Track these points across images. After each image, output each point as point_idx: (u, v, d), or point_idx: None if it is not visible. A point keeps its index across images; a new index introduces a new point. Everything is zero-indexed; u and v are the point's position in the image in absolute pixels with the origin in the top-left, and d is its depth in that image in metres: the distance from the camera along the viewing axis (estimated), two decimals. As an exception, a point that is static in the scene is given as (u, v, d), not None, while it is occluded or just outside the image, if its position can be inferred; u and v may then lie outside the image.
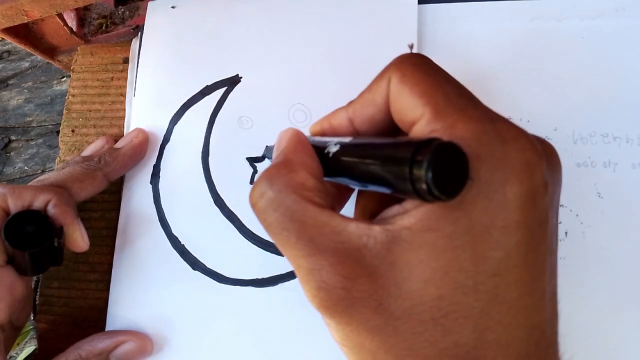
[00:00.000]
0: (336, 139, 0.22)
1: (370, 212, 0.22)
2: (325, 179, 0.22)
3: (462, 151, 0.16)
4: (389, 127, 0.22)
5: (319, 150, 0.22)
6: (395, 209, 0.19)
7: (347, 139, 0.21)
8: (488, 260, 0.17)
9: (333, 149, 0.21)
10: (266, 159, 0.36)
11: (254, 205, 0.21)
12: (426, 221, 0.17)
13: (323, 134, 0.24)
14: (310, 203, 0.20)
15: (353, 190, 0.26)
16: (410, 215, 0.18)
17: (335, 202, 0.26)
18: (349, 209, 0.25)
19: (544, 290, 0.19)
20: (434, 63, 0.20)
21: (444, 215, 0.17)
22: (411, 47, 0.34)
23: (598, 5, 0.34)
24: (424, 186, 0.15)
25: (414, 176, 0.16)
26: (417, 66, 0.20)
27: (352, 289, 0.18)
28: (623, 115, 0.33)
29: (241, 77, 0.37)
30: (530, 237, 0.18)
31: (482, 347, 0.18)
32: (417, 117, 0.19)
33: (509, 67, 0.35)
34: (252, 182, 0.36)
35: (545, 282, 0.19)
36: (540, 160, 0.18)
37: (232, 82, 0.37)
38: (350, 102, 0.23)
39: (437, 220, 0.17)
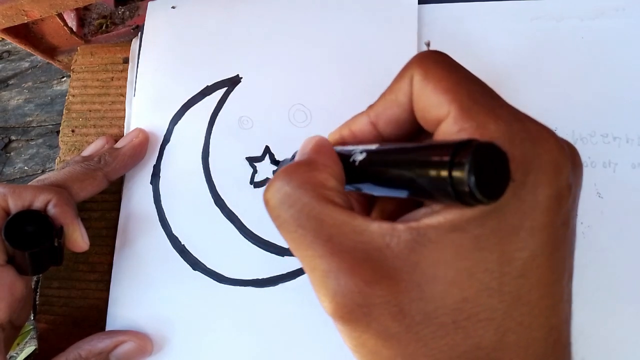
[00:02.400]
0: (361, 147, 0.21)
1: (389, 214, 0.22)
2: (347, 187, 0.21)
3: (501, 152, 0.15)
4: (414, 128, 0.21)
5: (343, 158, 0.21)
6: (422, 211, 0.18)
7: (372, 146, 0.20)
8: (514, 261, 0.17)
9: (359, 157, 0.20)
10: (267, 159, 0.36)
11: (267, 202, 0.20)
12: (455, 221, 0.17)
13: (343, 142, 0.23)
14: (329, 202, 0.19)
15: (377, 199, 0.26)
16: (439, 215, 0.17)
17: (363, 210, 0.25)
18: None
19: (562, 291, 0.19)
20: (454, 60, 0.20)
21: (475, 216, 0.17)
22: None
23: (598, 5, 0.34)
24: (466, 189, 0.15)
25: (454, 179, 0.15)
26: (439, 63, 0.19)
27: (372, 294, 0.17)
28: (623, 115, 0.33)
29: (241, 78, 0.37)
30: (555, 238, 0.18)
31: (502, 349, 0.17)
32: (443, 115, 0.18)
33: (508, 67, 0.35)
34: (252, 182, 0.36)
35: (564, 283, 0.19)
36: (567, 162, 0.18)
37: (232, 83, 0.37)
38: (371, 106, 0.22)
39: (468, 221, 0.17)
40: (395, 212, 0.21)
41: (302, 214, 0.19)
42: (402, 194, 0.18)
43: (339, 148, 0.23)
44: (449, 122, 0.18)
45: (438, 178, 0.16)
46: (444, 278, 0.17)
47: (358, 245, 0.18)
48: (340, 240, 0.18)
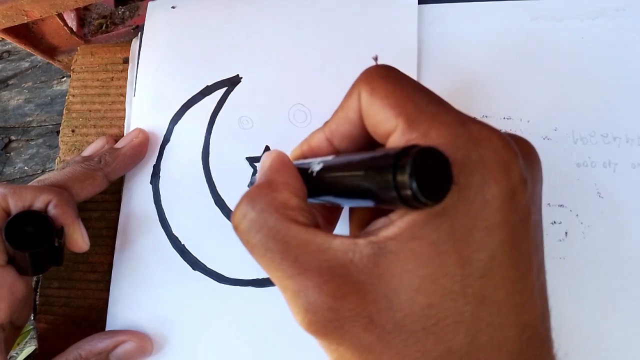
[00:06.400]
0: (319, 159, 0.22)
1: (366, 223, 0.22)
2: (311, 200, 0.22)
3: (443, 155, 0.16)
4: (367, 142, 0.22)
5: (303, 171, 0.22)
6: (380, 222, 0.19)
7: (329, 158, 0.21)
8: (473, 262, 0.17)
9: (316, 167, 0.21)
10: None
11: (236, 228, 0.21)
12: (410, 230, 0.17)
13: (304, 157, 0.24)
14: (293, 222, 0.19)
15: (341, 210, 0.26)
16: (395, 226, 0.18)
17: (327, 222, 0.25)
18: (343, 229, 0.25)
19: (532, 287, 0.19)
20: (401, 73, 0.21)
21: (428, 223, 0.17)
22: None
23: (598, 5, 0.34)
24: (409, 192, 0.15)
25: (398, 183, 0.16)
26: (385, 78, 0.20)
27: (341, 308, 0.18)
28: (623, 115, 0.33)
29: (241, 78, 0.37)
30: (513, 235, 0.18)
31: (475, 351, 0.18)
32: (391, 128, 0.19)
33: (508, 67, 0.35)
34: (249, 187, 0.36)
35: (533, 279, 0.19)
36: (515, 157, 0.18)
37: (232, 83, 0.37)
38: (326, 122, 0.23)
39: (422, 228, 0.17)
40: (370, 221, 0.21)
41: (268, 238, 0.19)
42: (361, 202, 0.19)
43: (300, 162, 0.23)
44: (397, 135, 0.19)
45: (384, 183, 0.16)
46: (409, 286, 0.17)
47: (323, 263, 0.18)
48: (305, 260, 0.19)
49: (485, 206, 0.17)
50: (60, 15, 0.39)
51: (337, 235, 0.19)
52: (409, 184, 0.15)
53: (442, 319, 0.17)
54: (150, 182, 0.37)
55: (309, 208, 0.21)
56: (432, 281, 0.17)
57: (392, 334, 0.18)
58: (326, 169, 0.21)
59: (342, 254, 0.18)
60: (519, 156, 0.18)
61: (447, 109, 0.19)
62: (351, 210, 0.24)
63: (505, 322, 0.18)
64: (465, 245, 0.17)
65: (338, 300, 0.18)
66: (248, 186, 0.36)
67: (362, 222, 0.22)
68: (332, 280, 0.18)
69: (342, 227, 0.27)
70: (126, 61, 0.41)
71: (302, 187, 0.21)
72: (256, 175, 0.35)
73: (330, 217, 0.26)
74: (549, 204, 0.32)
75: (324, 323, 0.18)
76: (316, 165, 0.21)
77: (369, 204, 0.18)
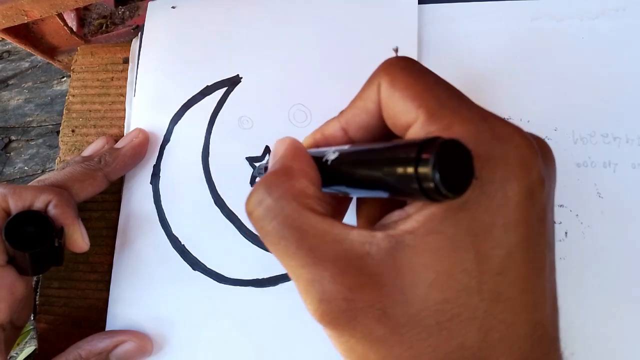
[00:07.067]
0: (334, 148, 0.21)
1: (374, 218, 0.22)
2: (323, 190, 0.22)
3: (466, 148, 0.16)
4: (383, 133, 0.21)
5: (317, 160, 0.22)
6: (396, 214, 0.18)
7: (345, 147, 0.21)
8: (491, 259, 0.17)
9: (332, 156, 0.21)
10: (267, 159, 0.36)
11: (250, 214, 0.20)
12: (429, 224, 0.17)
13: (317, 146, 0.24)
14: (310, 211, 0.19)
15: (351, 200, 0.26)
16: (412, 220, 0.18)
17: (336, 213, 0.25)
18: (350, 220, 0.25)
19: (544, 286, 0.19)
20: (421, 65, 0.20)
21: (447, 217, 0.17)
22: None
23: (598, 5, 0.34)
24: (431, 184, 0.15)
25: (420, 175, 0.15)
26: (405, 69, 0.20)
27: (355, 299, 0.18)
28: (623, 115, 0.33)
29: (241, 78, 0.37)
30: (530, 234, 0.18)
31: (487, 348, 0.18)
32: (411, 120, 0.19)
33: (509, 67, 0.35)
34: (252, 182, 0.36)
35: (546, 278, 0.19)
36: (536, 156, 0.18)
37: (232, 83, 0.37)
38: (342, 112, 0.23)
39: (440, 223, 0.17)
40: (379, 215, 0.21)
41: (284, 225, 0.19)
42: (375, 193, 0.19)
43: (313, 150, 0.23)
44: (417, 127, 0.18)
45: (405, 175, 0.16)
46: (425, 281, 0.17)
47: (339, 254, 0.18)
48: (322, 250, 0.18)
49: (506, 203, 0.17)
50: (60, 15, 0.39)
51: (353, 227, 0.19)
52: (432, 176, 0.15)
53: (457, 315, 0.17)
54: (150, 182, 0.37)
55: (324, 197, 0.21)
56: (448, 276, 0.17)
57: (405, 328, 0.18)
58: (342, 158, 0.20)
59: (359, 245, 0.18)
60: (539, 155, 0.18)
61: (469, 103, 0.19)
62: (359, 201, 0.24)
63: (517, 320, 0.18)
64: (483, 242, 0.17)
65: (353, 291, 0.18)
66: (250, 183, 0.36)
67: (370, 214, 0.22)
68: (348, 271, 0.18)
69: (347, 218, 0.26)
70: (126, 61, 0.41)
71: (318, 175, 0.21)
72: (258, 171, 0.35)
73: (339, 207, 0.25)
74: (549, 204, 0.32)
75: (338, 313, 0.18)
76: (331, 154, 0.21)
77: (383, 195, 0.18)
